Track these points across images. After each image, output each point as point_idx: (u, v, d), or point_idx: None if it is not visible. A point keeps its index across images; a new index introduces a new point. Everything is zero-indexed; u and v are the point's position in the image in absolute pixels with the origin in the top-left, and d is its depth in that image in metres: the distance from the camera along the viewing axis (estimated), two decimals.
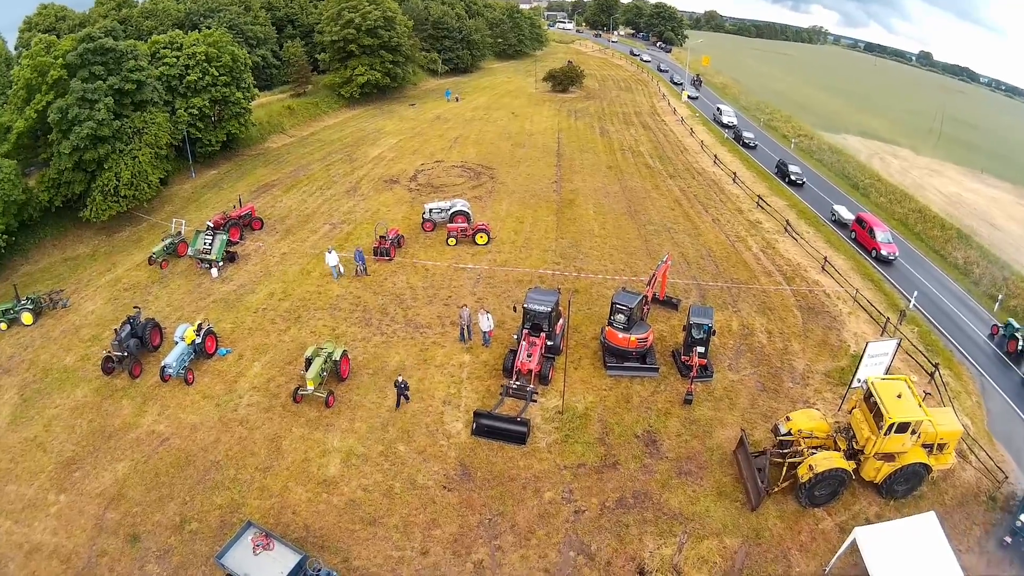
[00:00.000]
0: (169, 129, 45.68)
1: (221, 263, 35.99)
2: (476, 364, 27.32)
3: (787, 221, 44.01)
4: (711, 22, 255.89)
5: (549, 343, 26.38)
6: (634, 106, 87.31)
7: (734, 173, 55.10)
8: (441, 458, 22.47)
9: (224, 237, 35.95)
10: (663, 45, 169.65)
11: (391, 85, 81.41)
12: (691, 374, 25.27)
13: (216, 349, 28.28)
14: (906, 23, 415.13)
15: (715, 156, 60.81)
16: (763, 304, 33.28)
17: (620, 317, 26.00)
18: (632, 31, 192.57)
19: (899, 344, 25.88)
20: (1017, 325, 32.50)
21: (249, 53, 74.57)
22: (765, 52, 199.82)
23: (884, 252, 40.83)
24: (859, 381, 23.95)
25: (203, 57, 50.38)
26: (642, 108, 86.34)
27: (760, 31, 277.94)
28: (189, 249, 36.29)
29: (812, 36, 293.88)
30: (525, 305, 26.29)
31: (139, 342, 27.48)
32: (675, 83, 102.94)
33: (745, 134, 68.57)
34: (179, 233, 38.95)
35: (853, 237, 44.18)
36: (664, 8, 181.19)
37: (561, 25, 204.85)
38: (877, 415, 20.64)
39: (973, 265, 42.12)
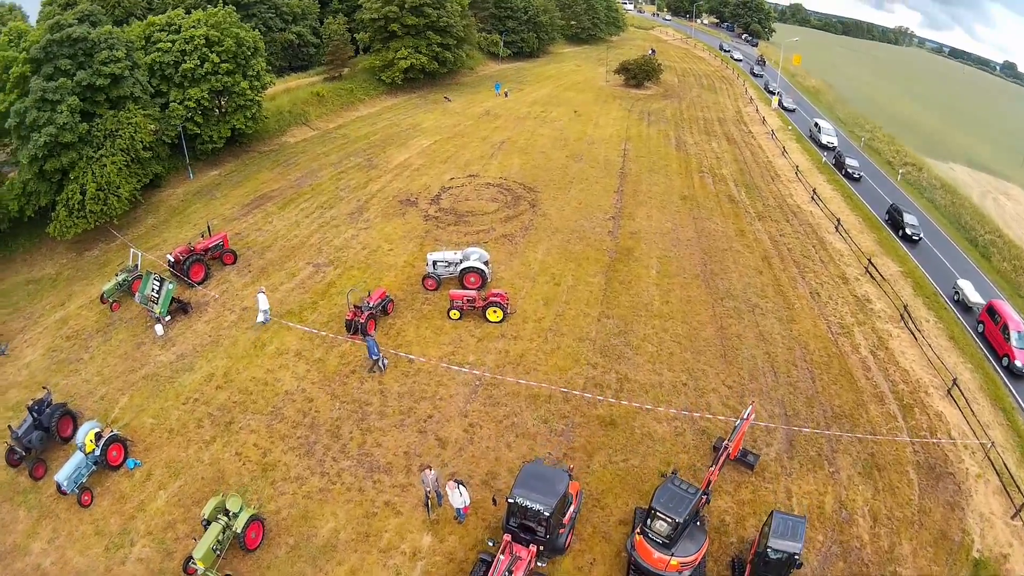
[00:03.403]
0: (147, 130, 38.49)
1: (168, 318, 28.84)
2: (437, 556, 18.35)
3: (905, 305, 33.07)
4: (796, 15, 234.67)
5: (546, 549, 17.26)
6: (717, 110, 75.52)
7: (837, 219, 43.82)
8: None
9: (171, 288, 28.34)
10: (749, 38, 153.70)
11: (440, 71, 72.07)
12: None
13: (124, 460, 21.96)
14: (989, 29, 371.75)
15: (813, 190, 49.37)
16: (871, 459, 22.99)
17: (662, 526, 16.67)
18: (716, 20, 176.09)
19: None
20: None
21: (284, 30, 67.58)
22: (854, 52, 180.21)
23: (1020, 363, 29.83)
24: None
25: (202, 41, 42.74)
26: (726, 113, 74.49)
27: (846, 28, 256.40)
28: (137, 295, 29.21)
29: (898, 37, 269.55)
30: (510, 499, 16.70)
31: (44, 435, 22.58)
32: (769, 91, 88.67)
33: (848, 161, 56.42)
34: (136, 267, 32.01)
35: (981, 331, 33.04)
36: None
37: (626, 8, 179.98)
38: None
39: None
